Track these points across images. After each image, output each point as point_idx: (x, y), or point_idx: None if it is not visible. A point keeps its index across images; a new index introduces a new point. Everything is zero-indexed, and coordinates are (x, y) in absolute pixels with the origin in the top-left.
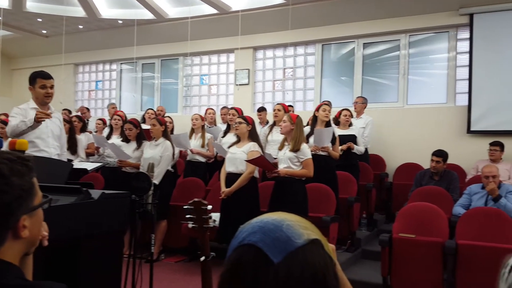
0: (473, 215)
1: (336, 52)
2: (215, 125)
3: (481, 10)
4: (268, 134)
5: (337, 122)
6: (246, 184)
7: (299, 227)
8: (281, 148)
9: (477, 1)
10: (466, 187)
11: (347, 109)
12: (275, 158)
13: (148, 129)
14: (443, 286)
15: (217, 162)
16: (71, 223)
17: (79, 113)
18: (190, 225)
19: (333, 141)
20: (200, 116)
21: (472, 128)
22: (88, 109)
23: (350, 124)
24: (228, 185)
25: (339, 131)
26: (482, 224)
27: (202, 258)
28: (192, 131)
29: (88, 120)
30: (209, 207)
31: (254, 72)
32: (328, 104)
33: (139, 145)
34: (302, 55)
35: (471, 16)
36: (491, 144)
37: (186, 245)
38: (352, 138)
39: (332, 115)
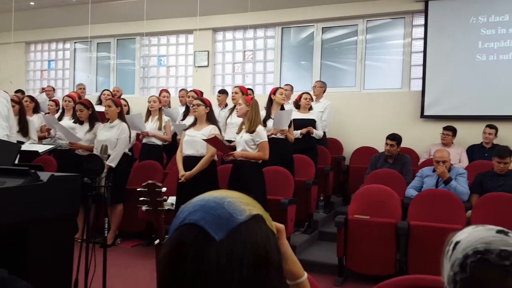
0: (425, 197)
1: (295, 36)
2: (170, 107)
3: None
4: (228, 116)
5: (297, 106)
6: (206, 167)
7: (241, 203)
8: (239, 132)
9: None
10: (419, 170)
11: (308, 93)
12: (232, 142)
13: (103, 111)
14: (395, 265)
15: (175, 144)
16: (18, 206)
17: (43, 93)
18: (144, 208)
19: (289, 124)
20: (158, 98)
21: (425, 113)
22: (53, 89)
23: (310, 108)
24: (186, 168)
25: (299, 115)
26: (433, 206)
27: (157, 242)
28: (149, 113)
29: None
30: (164, 189)
31: (214, 54)
32: (288, 87)
33: (91, 126)
34: (262, 38)
35: (426, 2)
36: (445, 128)
37: (143, 229)
38: (312, 122)
39: (293, 99)
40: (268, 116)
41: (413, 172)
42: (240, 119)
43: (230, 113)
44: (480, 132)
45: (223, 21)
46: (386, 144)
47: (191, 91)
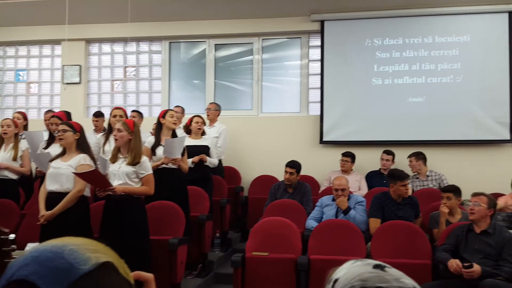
0: (324, 228)
1: (186, 52)
2: (26, 130)
3: (332, 17)
4: (105, 143)
5: (188, 131)
6: (73, 205)
7: (86, 251)
8: (114, 161)
9: (328, 8)
10: (319, 198)
11: (199, 116)
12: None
13: None
14: None
15: (35, 179)
16: None
17: None
18: None
19: (182, 152)
20: (13, 121)
21: (324, 139)
22: None
23: (203, 133)
24: (50, 207)
25: (190, 141)
26: (333, 237)
27: None
28: (1, 140)
29: None
30: (11, 236)
31: (87, 69)
32: (179, 109)
33: None
34: (147, 53)
35: (322, 23)
36: (343, 154)
37: None
38: (205, 149)
39: (184, 122)
40: (157, 143)
41: (313, 201)
42: None
43: (107, 139)
44: (379, 158)
45: (98, 31)
46: (286, 172)
47: (53, 116)
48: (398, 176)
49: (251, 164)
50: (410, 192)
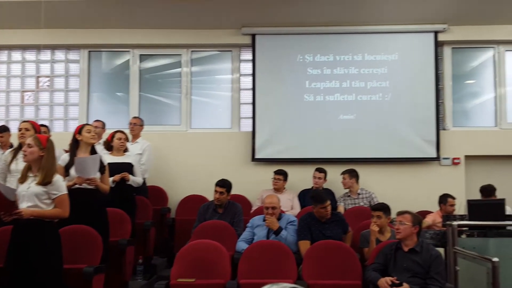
0: (255, 250)
1: (108, 62)
2: None
3: (263, 31)
4: (11, 161)
5: (109, 147)
6: None
7: None
8: (22, 180)
9: (260, 21)
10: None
11: (122, 131)
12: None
13: None
14: None
15: None
16: None
17: None
18: None
19: (101, 170)
20: None
21: (256, 156)
22: None
23: (126, 150)
24: None
25: (112, 158)
26: (265, 259)
27: None
28: None
29: None
30: None
31: None
32: (98, 124)
33: None
34: (63, 62)
35: (253, 36)
36: (276, 172)
37: None
38: (128, 167)
39: (104, 138)
40: (72, 162)
41: (245, 222)
42: None
43: (14, 156)
44: (311, 175)
45: (7, 37)
46: (216, 191)
47: None
48: (318, 199)
49: (179, 183)
50: (342, 211)
